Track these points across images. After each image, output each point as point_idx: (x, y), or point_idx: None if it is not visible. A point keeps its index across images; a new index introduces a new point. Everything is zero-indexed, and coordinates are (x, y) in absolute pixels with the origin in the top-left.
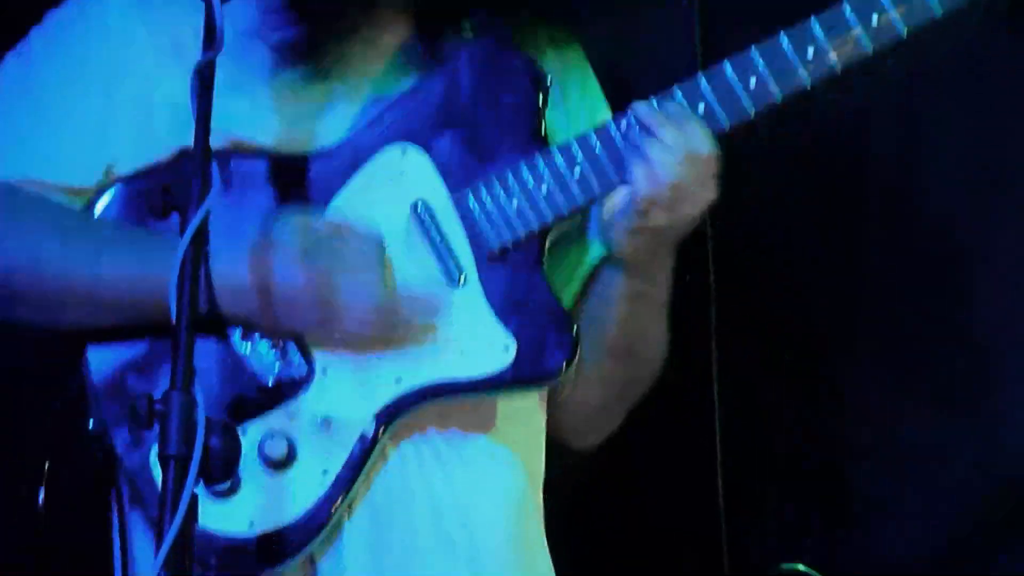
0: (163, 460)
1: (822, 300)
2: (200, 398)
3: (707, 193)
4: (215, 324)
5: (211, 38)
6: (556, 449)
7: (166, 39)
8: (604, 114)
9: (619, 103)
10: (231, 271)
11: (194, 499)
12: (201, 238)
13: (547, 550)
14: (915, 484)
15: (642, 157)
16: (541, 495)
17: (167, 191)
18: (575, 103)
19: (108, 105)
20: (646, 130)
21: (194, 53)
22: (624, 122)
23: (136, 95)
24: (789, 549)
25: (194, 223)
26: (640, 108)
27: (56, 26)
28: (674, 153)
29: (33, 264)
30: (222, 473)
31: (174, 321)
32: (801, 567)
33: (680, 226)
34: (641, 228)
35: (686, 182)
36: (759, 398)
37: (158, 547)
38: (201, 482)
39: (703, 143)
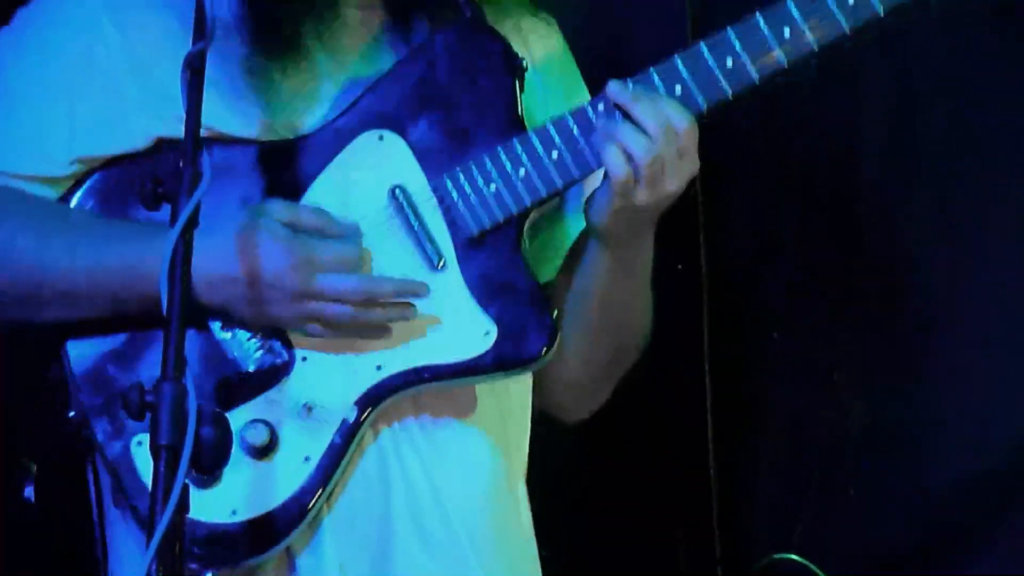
0: (155, 450)
1: (814, 287)
2: (191, 388)
3: (688, 166)
4: (195, 313)
5: (201, 28)
6: (550, 436)
7: (133, 28)
8: (577, 83)
9: (609, 67)
10: (210, 262)
11: (185, 489)
12: (192, 229)
13: (532, 538)
14: (907, 472)
15: (616, 139)
16: (523, 482)
17: (158, 182)
18: (555, 92)
19: (76, 93)
20: (619, 110)
21: (164, 39)
22: (601, 104)
23: (105, 83)
24: (781, 538)
25: (185, 214)
26: (612, 87)
27: (22, 22)
28: (649, 130)
29: (8, 261)
30: (213, 462)
31: (165, 311)
32: (794, 557)
33: (663, 201)
34: (625, 207)
35: (665, 158)
36: (751, 386)
37: (150, 538)
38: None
39: (678, 116)
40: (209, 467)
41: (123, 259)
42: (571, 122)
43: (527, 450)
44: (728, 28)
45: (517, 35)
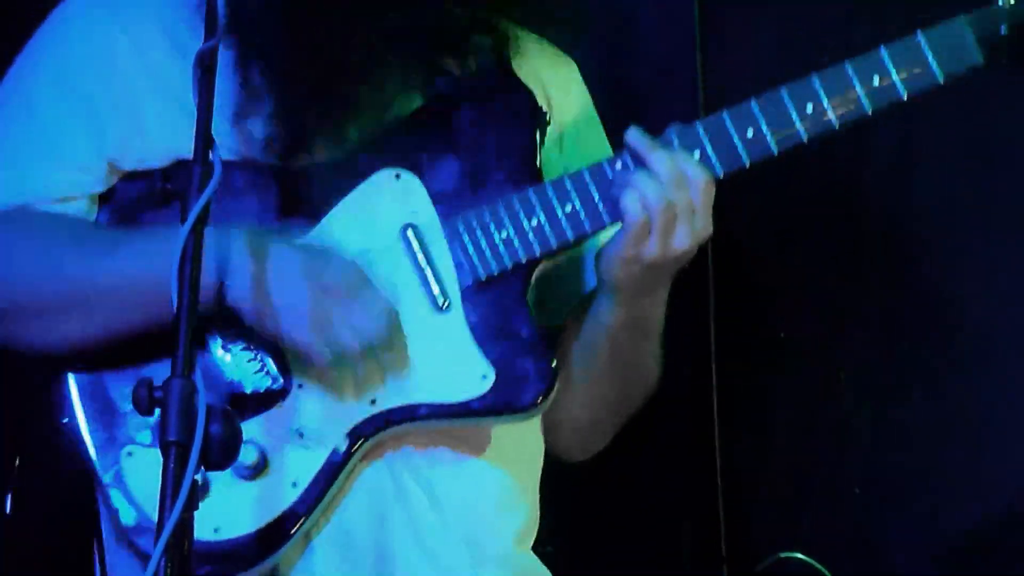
0: (164, 446)
1: (821, 288)
2: (201, 385)
3: (701, 223)
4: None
5: (212, 26)
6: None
7: (148, 47)
8: (596, 131)
9: (618, 97)
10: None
11: (194, 486)
12: (203, 225)
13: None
14: (913, 472)
15: (632, 185)
16: (532, 506)
17: (167, 178)
18: (571, 144)
19: (97, 112)
20: (636, 157)
21: (178, 57)
22: (619, 162)
23: (123, 102)
24: (786, 537)
25: (195, 210)
26: (631, 133)
27: (38, 47)
28: (664, 179)
29: (48, 268)
30: (222, 459)
31: (175, 307)
32: (800, 555)
33: (674, 259)
34: (634, 258)
35: (677, 208)
36: (757, 386)
37: (158, 534)
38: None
39: (693, 170)
40: (218, 464)
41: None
42: (587, 177)
43: (539, 466)
44: (752, 99)
45: (536, 84)
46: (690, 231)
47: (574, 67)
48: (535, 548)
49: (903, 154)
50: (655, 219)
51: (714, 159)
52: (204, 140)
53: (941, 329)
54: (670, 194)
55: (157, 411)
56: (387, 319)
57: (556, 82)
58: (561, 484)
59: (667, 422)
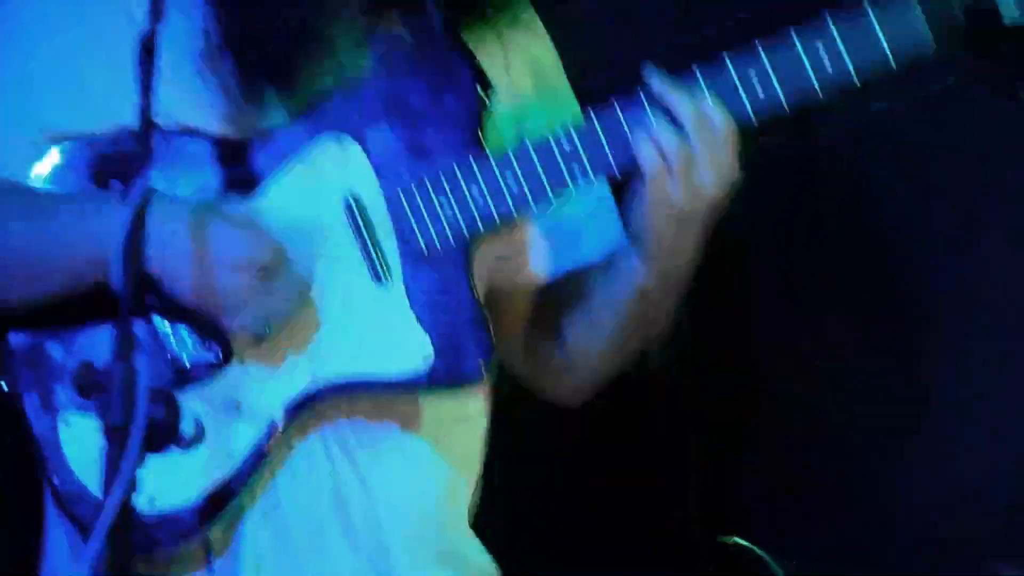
0: (106, 430)
1: (797, 279)
2: (143, 368)
3: (724, 168)
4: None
5: (157, 8)
6: (508, 426)
7: (97, 20)
8: (560, 86)
9: (597, 63)
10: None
11: (134, 469)
12: (144, 208)
13: (476, 544)
14: (884, 469)
15: (648, 130)
16: (468, 491)
17: (106, 159)
18: (535, 104)
19: (40, 83)
20: (654, 99)
21: (126, 30)
22: (565, 138)
23: (67, 76)
24: (753, 529)
25: (137, 192)
26: (651, 76)
27: None
28: (682, 120)
29: None
30: (162, 442)
31: (117, 288)
32: (737, 540)
33: (701, 205)
34: (660, 205)
35: (697, 151)
36: (731, 378)
37: (98, 517)
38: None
39: (714, 113)
40: (159, 447)
41: (86, 223)
42: (531, 151)
43: (482, 448)
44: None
45: (497, 45)
46: (716, 175)
47: (538, 24)
48: (483, 538)
49: (883, 144)
50: (672, 162)
51: (747, 104)
52: (145, 121)
53: (913, 324)
54: (688, 137)
55: None
56: (297, 303)
57: (518, 45)
58: (528, 477)
59: (639, 412)
